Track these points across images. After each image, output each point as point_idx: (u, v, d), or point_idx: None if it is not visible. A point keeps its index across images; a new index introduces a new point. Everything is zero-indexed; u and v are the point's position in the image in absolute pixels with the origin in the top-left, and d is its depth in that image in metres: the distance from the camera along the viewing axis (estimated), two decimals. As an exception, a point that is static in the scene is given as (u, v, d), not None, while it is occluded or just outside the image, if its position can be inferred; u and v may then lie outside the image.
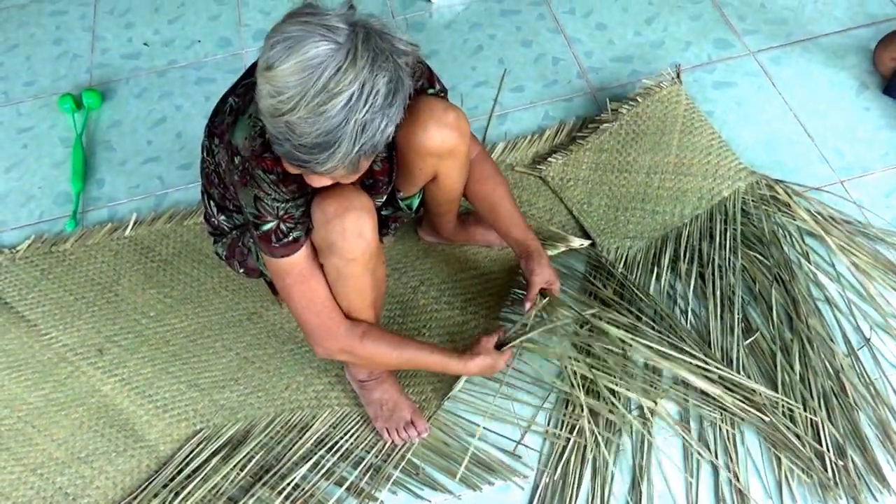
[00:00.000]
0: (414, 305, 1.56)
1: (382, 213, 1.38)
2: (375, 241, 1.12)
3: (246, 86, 1.08)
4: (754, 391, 1.35)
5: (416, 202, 1.37)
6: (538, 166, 1.74)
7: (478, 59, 2.00)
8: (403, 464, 1.37)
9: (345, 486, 1.35)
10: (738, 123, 1.80)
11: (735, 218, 1.59)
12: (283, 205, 1.05)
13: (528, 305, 1.33)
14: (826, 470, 1.29)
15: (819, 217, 1.60)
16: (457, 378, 1.44)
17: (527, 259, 1.35)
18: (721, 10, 2.04)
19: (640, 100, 1.77)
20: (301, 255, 1.10)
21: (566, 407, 1.40)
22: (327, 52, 0.83)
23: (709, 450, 1.34)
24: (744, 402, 1.34)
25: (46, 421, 1.47)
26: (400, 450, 1.38)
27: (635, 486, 1.31)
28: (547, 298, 1.34)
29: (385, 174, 1.24)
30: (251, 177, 1.03)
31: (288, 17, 0.87)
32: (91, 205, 1.81)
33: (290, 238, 1.08)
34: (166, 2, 2.22)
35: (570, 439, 1.36)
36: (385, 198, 1.30)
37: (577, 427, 1.36)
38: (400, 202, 1.35)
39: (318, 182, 1.00)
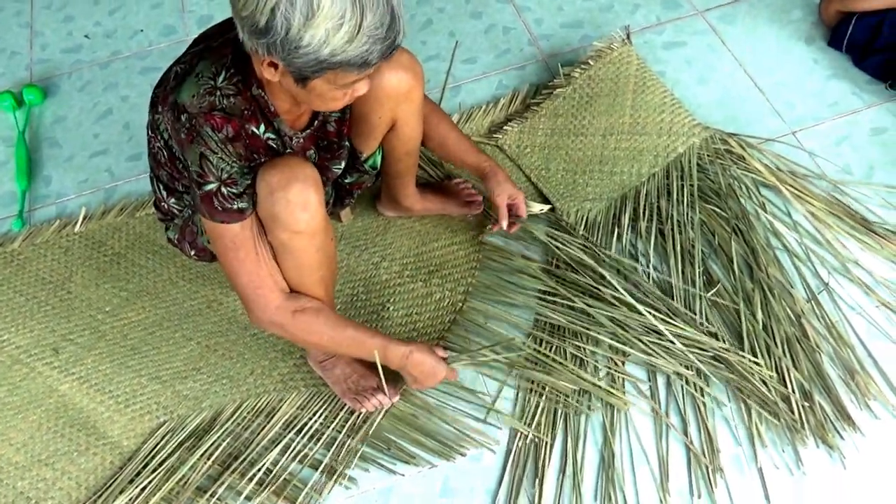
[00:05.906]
0: (377, 281, 1.54)
1: (346, 180, 1.36)
2: (322, 216, 1.09)
3: (192, 54, 1.06)
4: (719, 341, 1.36)
5: (378, 159, 1.37)
6: (494, 135, 1.73)
7: (427, 33, 1.98)
8: (371, 437, 1.34)
9: (314, 466, 1.33)
10: (690, 82, 1.81)
11: (691, 173, 1.60)
12: (227, 167, 1.02)
13: (503, 224, 1.43)
14: (793, 413, 1.31)
15: (774, 168, 1.61)
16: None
17: (486, 180, 1.42)
18: (667, -29, 2.05)
19: (591, 63, 1.76)
20: (238, 225, 1.08)
21: (532, 384, 1.39)
22: None
23: (676, 402, 1.35)
24: (708, 350, 1.35)
25: (3, 425, 1.42)
26: (371, 421, 1.35)
27: (607, 443, 1.31)
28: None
29: (337, 136, 1.22)
30: (198, 134, 1.00)
31: None
32: (38, 203, 1.75)
33: (235, 207, 1.06)
34: (105, -7, 2.16)
35: (540, 398, 1.35)
36: (344, 163, 1.28)
37: (544, 398, 1.36)
38: (364, 164, 1.33)
39: (317, 101, 1.00)
